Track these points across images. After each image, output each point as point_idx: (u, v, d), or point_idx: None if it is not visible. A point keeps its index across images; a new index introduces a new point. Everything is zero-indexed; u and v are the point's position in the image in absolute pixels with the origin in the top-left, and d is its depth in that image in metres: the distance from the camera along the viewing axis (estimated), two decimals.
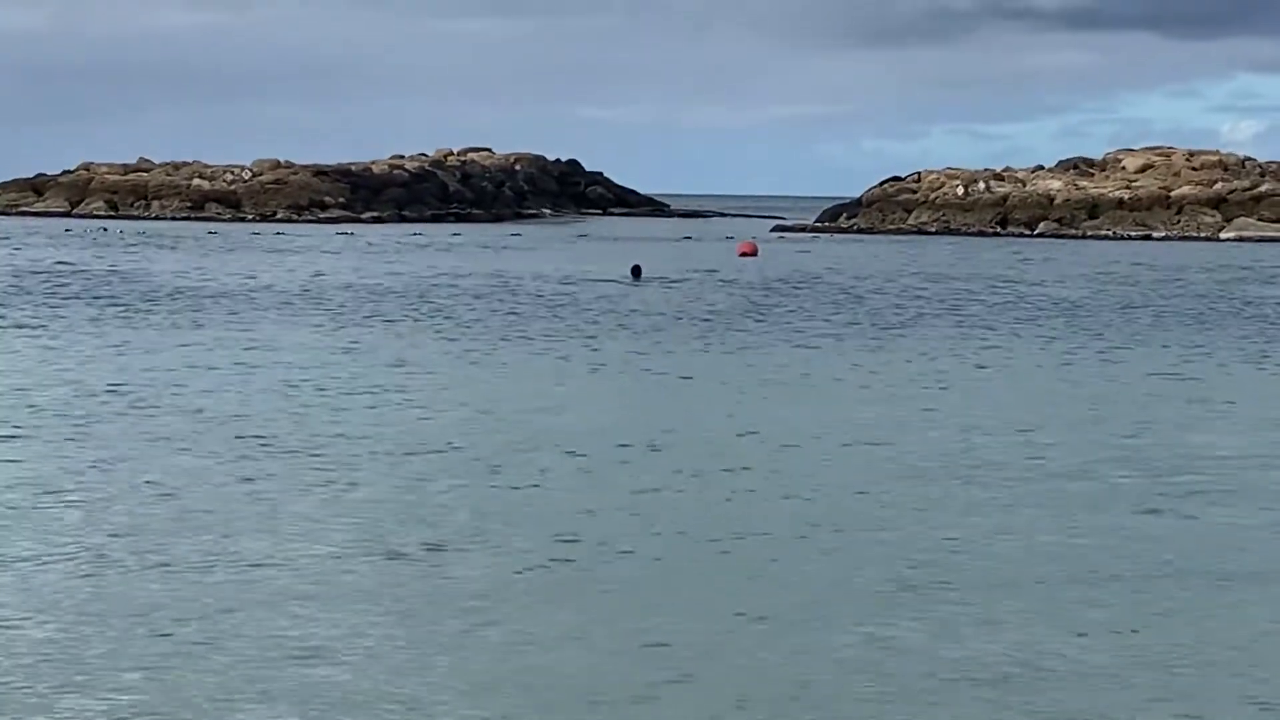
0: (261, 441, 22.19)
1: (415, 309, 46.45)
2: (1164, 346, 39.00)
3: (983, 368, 33.88)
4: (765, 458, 21.72)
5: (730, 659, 12.85)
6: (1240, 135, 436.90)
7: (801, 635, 13.48)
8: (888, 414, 26.17)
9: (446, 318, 43.73)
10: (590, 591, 14.81)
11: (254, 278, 59.58)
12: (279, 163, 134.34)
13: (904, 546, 16.55)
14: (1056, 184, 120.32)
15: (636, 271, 60.10)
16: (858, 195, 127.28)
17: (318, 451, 21.55)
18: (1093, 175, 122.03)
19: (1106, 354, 36.86)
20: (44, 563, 15.51)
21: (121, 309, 45.19)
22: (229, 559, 15.68)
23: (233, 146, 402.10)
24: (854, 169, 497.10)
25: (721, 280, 61.64)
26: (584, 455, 21.49)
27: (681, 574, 15.54)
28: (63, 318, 42.18)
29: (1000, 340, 40.00)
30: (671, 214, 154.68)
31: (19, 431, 22.89)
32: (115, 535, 16.59)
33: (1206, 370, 34.13)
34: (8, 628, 13.39)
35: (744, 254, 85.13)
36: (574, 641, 13.22)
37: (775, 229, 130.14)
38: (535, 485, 19.48)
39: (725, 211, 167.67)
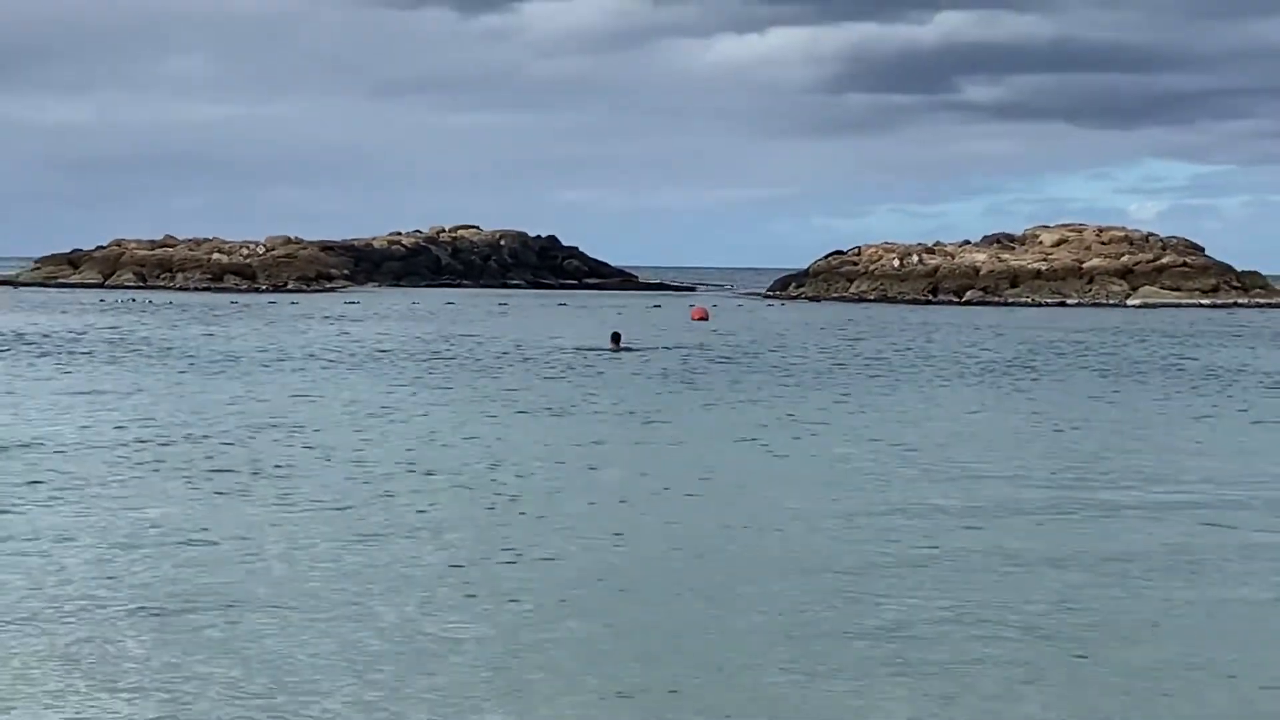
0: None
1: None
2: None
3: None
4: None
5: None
6: (1145, 214, 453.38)
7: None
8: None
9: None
10: None
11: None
12: (289, 239, 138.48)
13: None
14: (981, 256, 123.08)
15: (616, 338, 58.56)
16: (805, 267, 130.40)
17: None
18: (1014, 249, 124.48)
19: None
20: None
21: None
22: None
23: (250, 225, 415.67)
24: (804, 243, 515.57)
25: (687, 342, 62.79)
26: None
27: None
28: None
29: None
30: (640, 285, 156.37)
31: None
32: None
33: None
34: None
35: (697, 318, 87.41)
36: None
37: (733, 295, 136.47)
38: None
39: (688, 283, 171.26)
